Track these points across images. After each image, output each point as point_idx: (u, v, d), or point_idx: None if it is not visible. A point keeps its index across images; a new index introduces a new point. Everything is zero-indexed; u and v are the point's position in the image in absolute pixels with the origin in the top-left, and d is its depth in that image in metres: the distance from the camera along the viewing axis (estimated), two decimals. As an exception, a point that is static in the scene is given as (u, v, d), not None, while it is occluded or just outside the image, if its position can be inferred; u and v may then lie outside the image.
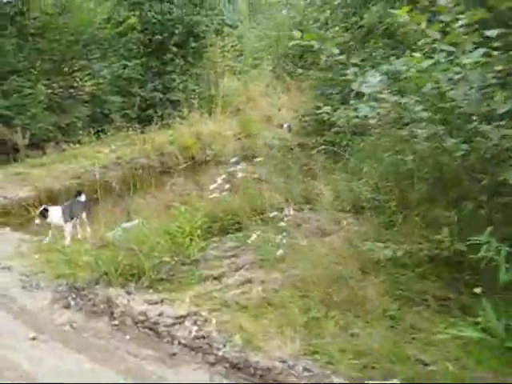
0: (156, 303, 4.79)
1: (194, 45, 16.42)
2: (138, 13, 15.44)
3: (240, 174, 5.27)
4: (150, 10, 15.18)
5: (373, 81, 3.81)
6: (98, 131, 14.50)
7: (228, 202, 5.93)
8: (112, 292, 5.00)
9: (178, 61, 16.23)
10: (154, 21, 15.28)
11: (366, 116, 4.28)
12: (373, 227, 4.20)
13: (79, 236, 7.39)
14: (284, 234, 4.51)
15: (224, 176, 5.00)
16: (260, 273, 5.04)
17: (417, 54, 4.03)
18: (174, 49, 16.17)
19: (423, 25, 3.73)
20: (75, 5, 14.97)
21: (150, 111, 15.58)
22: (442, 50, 3.92)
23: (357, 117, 4.29)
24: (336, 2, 6.47)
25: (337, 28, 6.94)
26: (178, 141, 13.79)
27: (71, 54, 14.93)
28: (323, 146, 5.54)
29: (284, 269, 4.91)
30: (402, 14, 3.75)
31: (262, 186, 5.86)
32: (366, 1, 6.42)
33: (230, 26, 18.23)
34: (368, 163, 4.96)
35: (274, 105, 16.12)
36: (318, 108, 9.39)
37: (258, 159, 5.94)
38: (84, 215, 7.59)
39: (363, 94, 5.84)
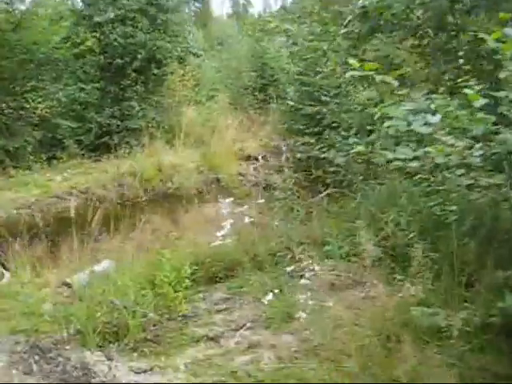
0: (144, 371, 3.95)
1: (156, 71, 15.68)
2: (98, 34, 14.60)
3: (247, 219, 4.57)
4: (111, 33, 14.37)
5: (433, 120, 3.23)
6: (50, 157, 13.42)
7: (227, 248, 5.20)
8: (88, 356, 4.11)
9: (138, 87, 15.41)
10: (116, 44, 14.47)
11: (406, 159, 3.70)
12: (413, 288, 3.57)
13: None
14: (309, 294, 3.81)
15: (231, 221, 4.28)
16: (266, 334, 4.30)
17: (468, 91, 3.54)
18: (135, 74, 15.36)
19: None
20: (30, 22, 14.03)
21: (106, 139, 14.61)
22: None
23: (396, 159, 3.69)
24: (341, 32, 5.94)
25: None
26: (137, 172, 12.89)
27: (23, 73, 13.88)
28: (334, 189, 4.92)
29: (296, 331, 4.20)
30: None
31: (264, 230, 5.17)
32: (372, 31, 5.94)
33: (194, 55, 17.63)
34: (392, 211, 4.37)
35: (238, 138, 15.53)
36: (307, 144, 8.91)
37: (260, 201, 5.27)
38: None
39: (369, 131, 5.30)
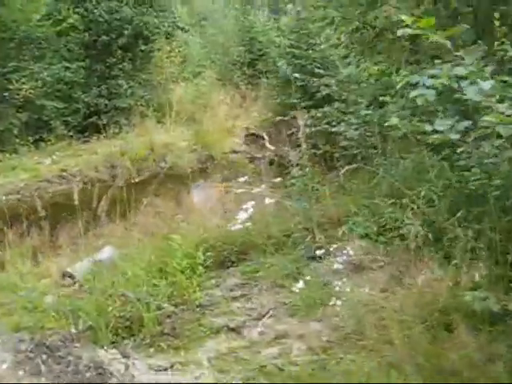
0: (165, 369, 3.64)
1: (143, 48, 15.10)
2: (81, 10, 13.96)
3: (267, 200, 4.22)
4: (96, 8, 13.74)
5: (485, 87, 2.88)
6: (37, 140, 12.88)
7: (239, 231, 4.86)
8: (102, 354, 3.78)
9: (125, 64, 14.83)
10: (101, 20, 13.86)
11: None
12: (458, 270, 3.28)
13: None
14: (344, 279, 3.49)
15: (253, 202, 3.94)
16: (292, 323, 4.00)
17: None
18: (121, 51, 14.78)
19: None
20: (7, 0, 13.38)
21: (95, 119, 14.08)
22: None
23: (435, 131, 3.35)
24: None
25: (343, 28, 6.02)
26: (129, 152, 12.45)
27: (4, 53, 13.27)
28: (354, 165, 4.59)
29: (324, 317, 3.90)
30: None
31: (280, 210, 4.83)
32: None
33: (182, 29, 17.03)
34: (422, 187, 4.05)
35: (231, 114, 15.09)
36: (313, 118, 8.53)
37: (276, 179, 4.92)
38: None
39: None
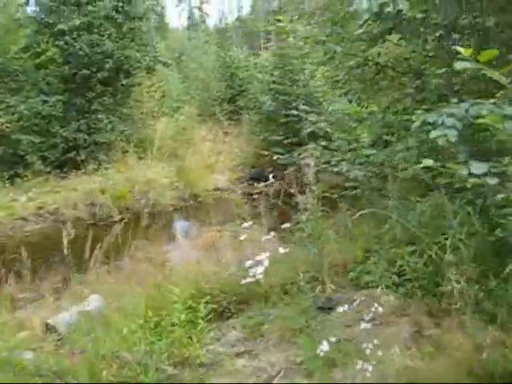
0: None
1: (124, 82, 14.80)
2: (61, 43, 13.63)
3: (282, 250, 3.84)
4: (76, 41, 13.44)
5: None
6: (12, 175, 12.36)
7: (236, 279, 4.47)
8: (95, 427, 3.31)
9: (105, 98, 14.49)
10: (81, 53, 13.54)
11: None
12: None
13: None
14: (363, 335, 3.10)
15: (267, 254, 3.56)
16: (310, 385, 3.58)
17: None
18: (101, 85, 14.46)
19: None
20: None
21: (73, 154, 13.62)
22: None
23: (471, 174, 3.06)
24: (356, 32, 5.34)
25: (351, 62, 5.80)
26: (109, 189, 11.99)
27: (-20, 85, 12.88)
28: (367, 210, 4.26)
29: (346, 381, 3.50)
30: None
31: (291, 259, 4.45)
32: (389, 31, 5.36)
33: (164, 64, 16.82)
34: (446, 234, 3.74)
35: (214, 150, 14.80)
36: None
37: (285, 225, 4.55)
38: None
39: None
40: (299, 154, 7.66)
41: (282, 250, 3.82)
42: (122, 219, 11.22)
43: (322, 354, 3.02)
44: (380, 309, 3.75)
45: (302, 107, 14.38)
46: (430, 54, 5.50)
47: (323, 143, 11.47)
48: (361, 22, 5.37)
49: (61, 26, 13.42)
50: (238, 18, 50.61)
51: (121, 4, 14.28)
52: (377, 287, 4.32)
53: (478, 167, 3.13)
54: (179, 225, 10.23)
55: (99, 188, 12.04)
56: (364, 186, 5.55)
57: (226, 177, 14.28)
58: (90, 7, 13.71)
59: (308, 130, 13.57)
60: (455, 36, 5.26)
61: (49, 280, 5.98)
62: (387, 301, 3.82)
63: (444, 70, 4.77)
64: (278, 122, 15.32)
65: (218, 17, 49.27)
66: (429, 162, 3.14)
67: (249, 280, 3.58)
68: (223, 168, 14.56)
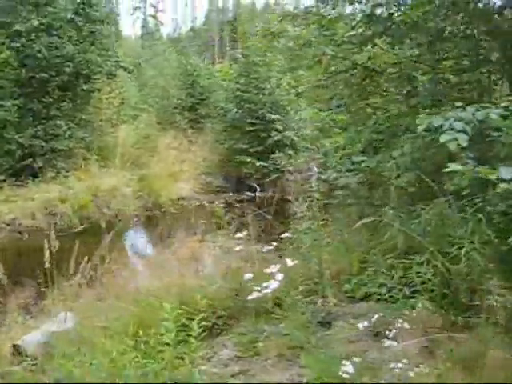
0: None
1: (84, 87, 14.22)
2: (17, 45, 12.97)
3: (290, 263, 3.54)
4: (34, 43, 12.81)
5: None
6: (-37, 184, 11.62)
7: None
8: None
9: (64, 104, 13.88)
10: (39, 56, 12.91)
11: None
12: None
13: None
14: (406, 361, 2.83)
15: (278, 266, 3.26)
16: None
17: None
18: (60, 90, 13.85)
19: None
20: None
21: (30, 161, 12.93)
22: None
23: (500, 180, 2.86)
24: (347, 35, 5.15)
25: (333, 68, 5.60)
26: (69, 198, 11.41)
27: None
28: (367, 219, 4.03)
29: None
30: None
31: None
32: (380, 34, 5.19)
33: (126, 69, 16.31)
34: (462, 243, 3.54)
35: (178, 158, 14.40)
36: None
37: (286, 234, 4.26)
38: None
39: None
40: (275, 162, 7.41)
41: (290, 263, 3.51)
42: (84, 230, 10.71)
43: (345, 375, 2.74)
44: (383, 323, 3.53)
45: (268, 116, 14.22)
46: (417, 60, 5.38)
47: (290, 152, 11.28)
48: (352, 24, 5.18)
49: (17, 27, 12.77)
50: (192, 29, 50.39)
51: (82, 6, 13.74)
52: (377, 300, 4.10)
53: (507, 172, 2.95)
54: (149, 235, 9.79)
55: (59, 197, 11.46)
56: (353, 193, 5.33)
57: (190, 185, 13.91)
58: (49, 8, 13.11)
59: (275, 139, 13.40)
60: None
61: (15, 295, 5.45)
62: (390, 313, 3.57)
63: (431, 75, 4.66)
64: (243, 130, 15.06)
65: (172, 26, 48.64)
66: (457, 167, 2.92)
67: (255, 296, 3.26)
68: (188, 176, 14.17)
